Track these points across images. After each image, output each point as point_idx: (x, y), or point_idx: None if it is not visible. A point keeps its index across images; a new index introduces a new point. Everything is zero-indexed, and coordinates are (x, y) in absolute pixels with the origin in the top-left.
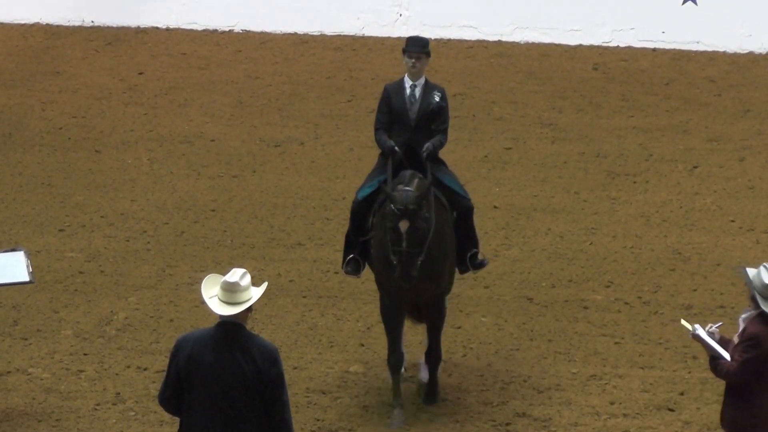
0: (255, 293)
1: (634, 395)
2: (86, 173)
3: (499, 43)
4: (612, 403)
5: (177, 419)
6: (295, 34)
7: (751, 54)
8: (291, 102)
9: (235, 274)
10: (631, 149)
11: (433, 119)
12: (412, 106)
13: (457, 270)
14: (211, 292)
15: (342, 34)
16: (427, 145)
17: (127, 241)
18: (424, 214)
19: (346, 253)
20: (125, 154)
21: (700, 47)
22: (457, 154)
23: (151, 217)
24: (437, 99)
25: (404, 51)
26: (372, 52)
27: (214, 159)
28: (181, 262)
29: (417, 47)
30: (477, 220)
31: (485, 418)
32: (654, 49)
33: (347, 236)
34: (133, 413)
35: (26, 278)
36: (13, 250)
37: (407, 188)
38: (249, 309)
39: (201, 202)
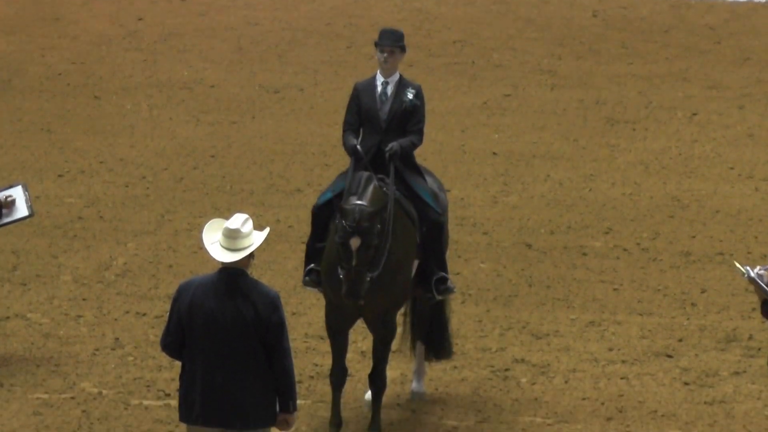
0: (257, 239)
1: (633, 342)
2: (85, 119)
3: None
4: (610, 350)
5: (175, 364)
6: None
7: (750, 2)
8: (290, 48)
9: (237, 220)
10: (630, 97)
11: (407, 119)
12: (383, 106)
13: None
14: (212, 237)
15: None
16: (392, 145)
17: (126, 186)
18: (377, 230)
19: (306, 262)
20: (124, 100)
21: None
22: (456, 101)
23: (150, 163)
24: (411, 97)
25: (376, 44)
26: None
27: (213, 105)
28: (180, 207)
29: (390, 40)
30: (476, 167)
31: (483, 364)
32: None
33: (308, 244)
34: (131, 358)
35: (26, 213)
36: (10, 186)
37: (360, 202)
38: (251, 255)
39: (200, 148)
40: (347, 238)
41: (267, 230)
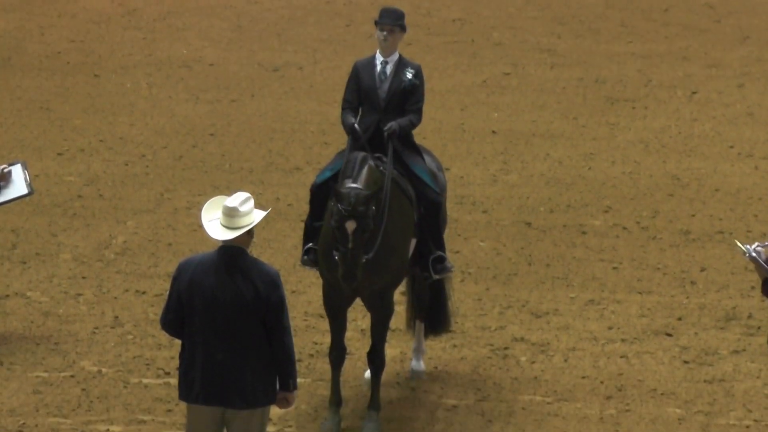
0: (256, 217)
1: (632, 320)
2: (85, 97)
3: None
4: (610, 328)
5: (175, 343)
6: None
7: None
8: (290, 26)
9: (236, 199)
10: (630, 75)
11: (406, 99)
12: (382, 85)
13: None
14: (212, 215)
15: None
16: (391, 124)
17: (126, 165)
18: (373, 212)
19: (305, 241)
20: (124, 79)
21: None
22: (456, 79)
23: (149, 141)
24: (410, 77)
25: (376, 23)
26: None
27: (212, 83)
28: (180, 186)
29: (390, 19)
30: (475, 146)
31: (483, 343)
32: None
33: (306, 223)
34: (131, 337)
35: (25, 191)
36: (10, 164)
37: (356, 185)
38: (251, 234)
39: (199, 126)
40: (343, 222)
41: (268, 211)
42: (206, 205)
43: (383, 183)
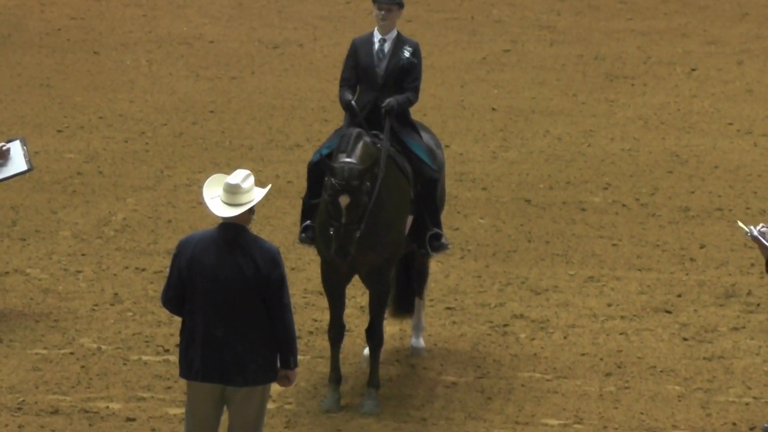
0: (257, 195)
1: (632, 297)
2: (85, 74)
3: None
4: (609, 305)
5: (174, 320)
6: None
7: None
8: (290, 3)
9: (238, 176)
10: (629, 52)
11: (404, 77)
12: (380, 63)
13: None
14: (213, 192)
15: None
16: (389, 101)
17: (126, 142)
18: (366, 187)
19: (302, 219)
20: (124, 56)
21: None
22: (456, 56)
23: (149, 118)
24: (407, 55)
25: (374, 1)
26: None
27: (212, 60)
28: (180, 163)
29: None
30: (475, 123)
31: (482, 320)
32: None
33: (303, 201)
34: (130, 314)
35: (24, 167)
36: (9, 141)
37: (349, 160)
38: (251, 211)
39: (199, 103)
40: (336, 196)
41: (268, 187)
42: (207, 182)
43: (378, 158)
